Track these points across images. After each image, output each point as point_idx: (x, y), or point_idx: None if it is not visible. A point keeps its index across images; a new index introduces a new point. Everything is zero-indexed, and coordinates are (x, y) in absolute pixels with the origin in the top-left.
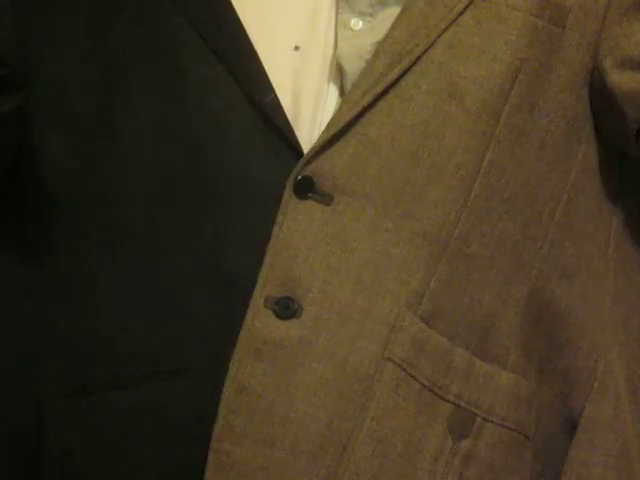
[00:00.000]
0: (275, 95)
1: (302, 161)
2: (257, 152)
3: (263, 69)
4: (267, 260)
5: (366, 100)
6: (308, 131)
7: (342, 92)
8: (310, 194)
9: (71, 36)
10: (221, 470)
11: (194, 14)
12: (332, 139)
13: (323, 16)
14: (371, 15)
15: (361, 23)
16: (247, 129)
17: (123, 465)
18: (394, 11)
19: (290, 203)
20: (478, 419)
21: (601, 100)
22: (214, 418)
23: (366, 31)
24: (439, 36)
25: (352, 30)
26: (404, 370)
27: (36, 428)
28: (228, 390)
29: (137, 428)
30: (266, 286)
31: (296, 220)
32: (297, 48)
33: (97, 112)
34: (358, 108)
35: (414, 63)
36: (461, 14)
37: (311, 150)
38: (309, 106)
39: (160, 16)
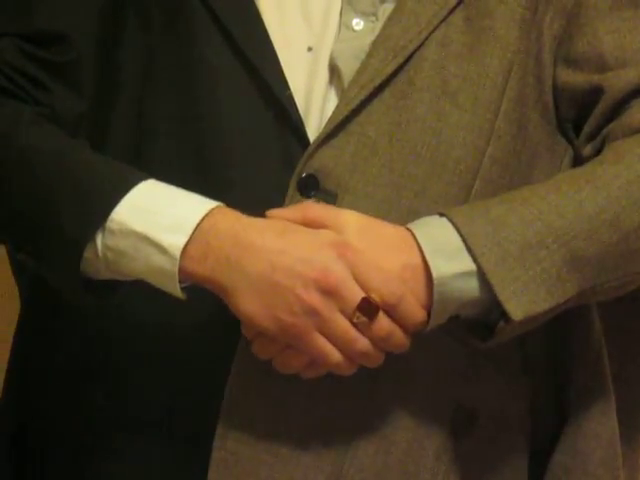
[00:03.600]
0: (291, 92)
1: (305, 157)
2: (269, 146)
3: (280, 66)
4: None
5: (363, 94)
6: (315, 131)
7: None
8: (314, 192)
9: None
10: (224, 468)
11: (218, 6)
12: (332, 134)
13: (334, 18)
14: (374, 14)
15: (363, 23)
16: (263, 123)
17: None
18: None
19: (294, 201)
20: (480, 417)
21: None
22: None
23: (367, 31)
24: (431, 33)
25: (354, 31)
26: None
27: None
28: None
29: None
30: None
31: None
32: (310, 49)
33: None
34: (356, 102)
35: (408, 60)
36: (452, 12)
37: (312, 144)
38: (318, 107)
39: (185, 9)
